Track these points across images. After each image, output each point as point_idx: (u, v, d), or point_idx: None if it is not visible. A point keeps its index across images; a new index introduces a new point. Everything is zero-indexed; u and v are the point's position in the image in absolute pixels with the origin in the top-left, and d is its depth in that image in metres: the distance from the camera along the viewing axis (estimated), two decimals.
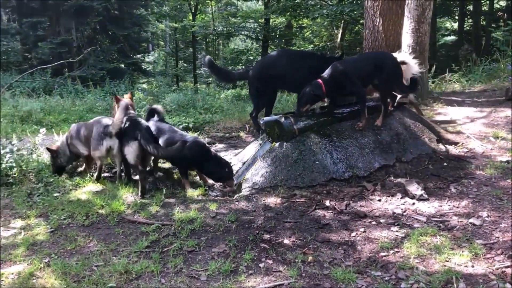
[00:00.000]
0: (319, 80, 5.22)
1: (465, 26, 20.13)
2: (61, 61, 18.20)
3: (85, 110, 10.63)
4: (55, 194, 5.08)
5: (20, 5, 22.87)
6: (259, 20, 23.88)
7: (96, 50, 20.21)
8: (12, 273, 3.47)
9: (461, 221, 3.94)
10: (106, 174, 5.86)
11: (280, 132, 5.32)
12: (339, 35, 20.35)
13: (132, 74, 23.36)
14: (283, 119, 5.28)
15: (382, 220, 4.10)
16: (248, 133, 7.33)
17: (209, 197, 4.90)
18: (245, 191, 4.95)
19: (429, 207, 4.30)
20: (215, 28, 24.76)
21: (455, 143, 5.79)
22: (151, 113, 5.53)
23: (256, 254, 3.60)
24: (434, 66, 10.14)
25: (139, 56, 25.97)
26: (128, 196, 4.93)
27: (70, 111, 11.02)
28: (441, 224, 3.93)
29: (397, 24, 8.08)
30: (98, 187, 5.27)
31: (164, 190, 5.03)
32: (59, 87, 15.91)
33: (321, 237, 3.82)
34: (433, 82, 9.92)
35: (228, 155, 5.98)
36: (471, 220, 3.92)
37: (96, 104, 11.54)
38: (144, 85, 25.84)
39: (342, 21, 19.05)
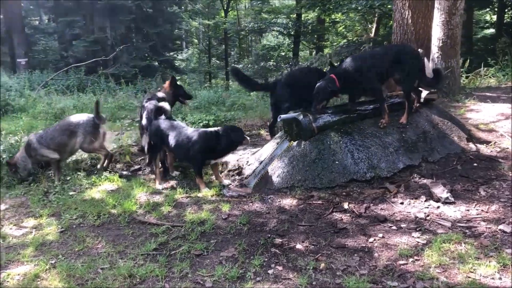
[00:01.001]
0: (333, 75, 5.04)
1: (505, 18, 19.19)
2: (94, 59, 18.59)
3: (117, 107, 10.63)
4: (71, 193, 5.07)
5: (57, 5, 23.43)
6: (291, 15, 23.60)
7: (128, 48, 20.43)
8: (18, 274, 3.42)
9: (489, 228, 3.65)
10: (124, 172, 5.82)
11: (298, 130, 5.11)
12: (373, 30, 19.81)
13: (164, 71, 23.55)
14: (301, 116, 5.06)
15: (403, 225, 3.84)
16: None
17: (223, 197, 4.74)
18: (260, 192, 4.78)
19: (455, 211, 4.01)
20: (246, 24, 24.65)
21: (487, 142, 5.43)
22: (158, 112, 5.40)
23: (266, 259, 3.42)
24: (468, 60, 9.64)
25: (171, 53, 26.14)
26: (142, 195, 4.85)
27: (102, 108, 11.11)
28: (467, 230, 3.64)
29: (427, 17, 7.72)
30: (113, 185, 5.22)
31: (178, 190, 4.91)
32: (92, 85, 16.15)
33: (336, 243, 3.61)
34: (467, 77, 9.44)
35: (246, 154, 5.81)
36: (500, 227, 3.61)
37: (128, 101, 11.58)
38: (178, 83, 26.00)
39: (376, 15, 18.52)
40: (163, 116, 5.38)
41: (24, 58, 21.21)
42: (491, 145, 5.35)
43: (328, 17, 21.90)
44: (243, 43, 33.98)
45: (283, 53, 25.91)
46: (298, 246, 3.59)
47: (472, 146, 5.31)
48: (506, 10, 18.93)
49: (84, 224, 4.24)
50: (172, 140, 5.06)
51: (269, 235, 3.77)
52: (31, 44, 24.52)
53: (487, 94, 7.71)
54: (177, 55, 29.43)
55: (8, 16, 21.75)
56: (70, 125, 5.70)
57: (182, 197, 4.74)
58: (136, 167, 6.01)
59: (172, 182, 5.36)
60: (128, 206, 4.45)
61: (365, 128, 5.18)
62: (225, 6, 27.64)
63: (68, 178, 5.48)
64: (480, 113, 6.61)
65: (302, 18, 23.51)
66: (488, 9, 20.45)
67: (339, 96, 5.21)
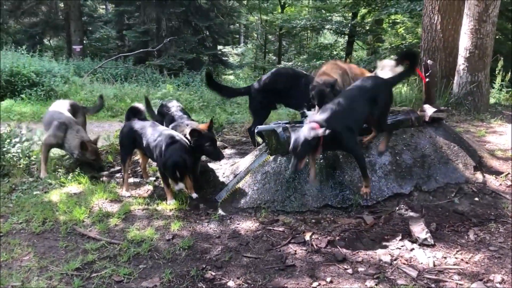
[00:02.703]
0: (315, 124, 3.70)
1: None
2: (141, 50, 18.83)
3: (157, 98, 10.43)
4: (35, 192, 4.85)
5: None
6: (346, 13, 22.74)
7: (177, 40, 20.44)
8: None
9: (461, 285, 3.02)
10: (105, 173, 5.58)
11: (276, 144, 4.62)
12: None
13: (214, 66, 23.43)
14: (280, 129, 4.56)
15: (361, 268, 3.29)
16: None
17: (182, 212, 4.34)
18: (224, 210, 4.34)
19: (430, 257, 3.39)
20: (298, 21, 24.03)
21: (498, 173, 4.69)
22: (132, 112, 5.07)
23: None
24: (510, 74, 8.66)
25: (223, 48, 26.00)
26: (100, 202, 4.55)
27: (142, 99, 11.08)
28: (432, 285, 3.04)
29: (458, 23, 6.95)
30: (79, 188, 4.96)
31: (137, 200, 4.58)
32: (138, 75, 16.31)
33: (274, 283, 3.12)
34: (507, 93, 8.47)
35: (227, 164, 5.38)
36: (473, 286, 2.98)
37: (169, 93, 11.43)
38: (231, 77, 25.97)
39: None
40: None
41: (79, 45, 21.86)
42: (501, 177, 4.61)
43: (387, 17, 20.83)
44: (301, 40, 33.39)
45: (335, 52, 25.12)
46: (230, 283, 3.13)
47: (479, 176, 4.60)
48: None
49: (25, 230, 3.99)
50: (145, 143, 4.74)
51: (205, 266, 3.34)
52: (90, 32, 25.33)
53: None
54: (232, 50, 29.38)
55: (66, 3, 22.47)
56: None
57: (138, 209, 4.39)
58: (117, 168, 5.74)
59: (145, 189, 5.04)
60: (77, 214, 4.16)
61: None
62: (282, 1, 27.17)
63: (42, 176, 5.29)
64: (503, 136, 5.80)
65: (358, 17, 22.55)
66: None
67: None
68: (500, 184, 4.51)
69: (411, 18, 18.35)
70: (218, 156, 4.69)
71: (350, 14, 22.20)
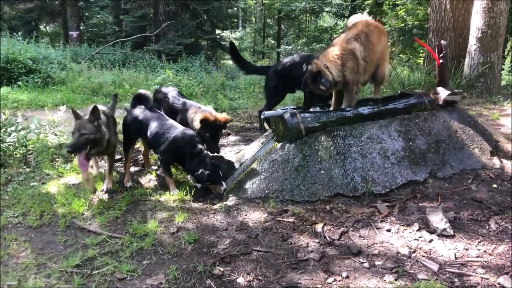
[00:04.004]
0: None
1: None
2: (138, 35, 18.50)
3: (156, 84, 10.20)
4: (32, 184, 4.64)
5: None
6: None
7: (175, 25, 20.06)
8: None
9: (486, 279, 2.83)
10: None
11: (284, 130, 4.41)
12: None
13: (213, 50, 23.09)
14: (288, 115, 4.35)
15: (378, 262, 3.10)
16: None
17: (187, 203, 4.14)
18: (230, 200, 4.15)
19: (450, 248, 3.21)
20: (298, 4, 23.60)
21: None
22: (137, 100, 4.85)
23: None
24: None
25: (222, 32, 25.60)
26: (100, 193, 4.34)
27: (141, 85, 10.95)
28: (456, 279, 2.85)
29: (469, 2, 6.66)
30: (78, 178, 4.75)
31: (138, 190, 4.37)
32: (136, 61, 16.04)
33: (287, 280, 2.93)
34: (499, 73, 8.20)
35: (232, 152, 5.17)
36: (500, 280, 2.79)
37: (168, 79, 11.23)
38: (230, 62, 25.65)
39: None
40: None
41: (75, 31, 21.46)
42: None
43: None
44: (300, 23, 32.94)
45: (335, 35, 24.72)
46: (240, 279, 2.94)
47: (496, 161, 4.40)
48: None
49: (21, 225, 3.78)
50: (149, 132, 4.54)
51: (213, 261, 3.15)
52: (87, 17, 24.88)
53: None
54: (231, 34, 28.98)
55: None
56: None
57: (140, 200, 4.19)
58: (117, 157, 5.52)
59: (146, 179, 4.84)
60: (76, 206, 3.95)
61: (365, 131, 4.39)
62: None
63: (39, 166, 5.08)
64: None
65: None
66: None
67: None
68: None
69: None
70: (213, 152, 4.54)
71: None
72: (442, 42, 4.72)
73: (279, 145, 4.40)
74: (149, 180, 4.85)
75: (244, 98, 8.18)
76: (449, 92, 4.72)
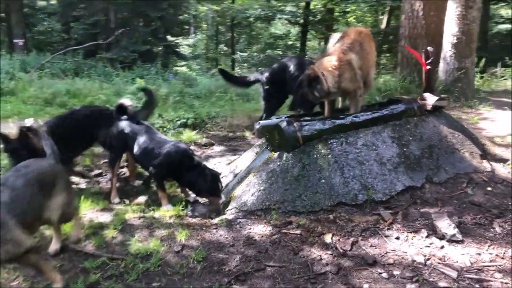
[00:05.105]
0: None
1: None
2: (91, 43, 17.89)
3: (112, 93, 9.92)
4: None
5: None
6: (299, 3, 22.63)
7: (129, 32, 19.61)
8: None
9: (506, 284, 2.85)
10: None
11: (280, 139, 4.32)
12: (384, 21, 18.86)
13: (167, 57, 22.80)
14: (284, 123, 4.26)
15: (396, 271, 3.05)
16: (255, 133, 6.34)
17: (184, 219, 3.96)
18: (230, 213, 4.00)
19: (463, 254, 3.21)
20: (253, 11, 23.71)
21: (504, 161, 4.61)
22: (119, 111, 4.61)
23: None
24: (484, 59, 8.74)
25: (173, 39, 25.28)
26: (88, 212, 4.08)
27: (96, 94, 10.54)
28: (477, 285, 2.85)
29: (441, 9, 6.85)
30: None
31: (131, 207, 4.15)
32: (89, 69, 15.48)
33: None
34: (481, 78, 8.54)
35: (221, 163, 5.03)
36: None
37: (124, 88, 10.91)
38: (183, 68, 25.36)
39: (388, 6, 17.58)
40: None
41: (21, 39, 20.46)
42: (508, 164, 4.53)
43: (337, 6, 20.95)
44: (251, 30, 33.13)
45: (290, 42, 25.05)
46: None
47: (486, 165, 4.49)
48: None
49: None
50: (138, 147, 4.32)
51: (227, 279, 3.00)
52: (32, 24, 23.80)
53: (504, 99, 6.84)
54: (183, 40, 28.71)
55: None
56: None
57: (134, 217, 3.96)
58: (97, 171, 5.25)
59: (134, 194, 4.61)
60: (65, 227, 3.68)
61: (359, 138, 4.37)
62: None
63: None
64: (496, 122, 5.76)
65: (311, 7, 22.51)
66: (504, 4, 19.34)
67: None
68: (509, 172, 4.42)
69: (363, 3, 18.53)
70: None
71: (303, 4, 22.12)
72: (429, 48, 4.80)
73: (276, 154, 4.30)
74: (137, 196, 4.61)
75: (221, 106, 8.01)
76: (436, 97, 4.80)
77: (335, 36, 4.86)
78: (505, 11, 20.58)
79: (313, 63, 5.24)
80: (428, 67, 4.82)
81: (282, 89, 5.56)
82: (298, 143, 4.25)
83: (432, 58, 4.77)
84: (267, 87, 5.58)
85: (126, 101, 4.63)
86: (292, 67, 5.32)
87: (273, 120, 4.39)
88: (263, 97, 5.72)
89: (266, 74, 5.66)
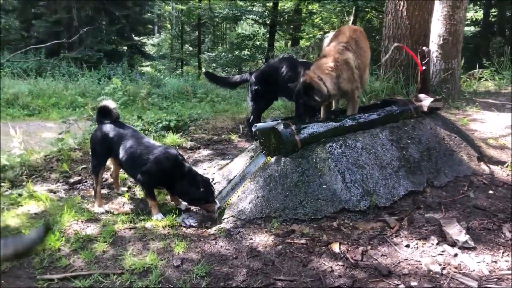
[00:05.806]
0: None
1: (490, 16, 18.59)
2: (55, 41, 17.12)
3: (78, 94, 9.56)
4: None
5: None
6: (267, 3, 22.52)
7: (94, 31, 18.96)
8: None
9: None
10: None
11: (277, 143, 4.10)
12: (350, 23, 18.99)
13: (132, 57, 22.29)
14: (281, 126, 4.05)
15: (413, 283, 2.88)
16: (242, 136, 6.09)
17: (179, 229, 3.68)
18: (227, 222, 3.75)
19: (479, 262, 3.08)
20: (220, 11, 23.46)
21: (501, 163, 4.54)
22: (102, 113, 4.28)
23: None
24: (463, 61, 8.80)
25: (139, 38, 24.71)
26: (73, 223, 3.74)
27: (61, 95, 10.14)
28: None
29: (425, 9, 6.78)
30: (39, 206, 4.08)
31: (121, 217, 3.83)
32: (52, 69, 14.86)
33: None
34: (460, 79, 8.59)
35: (212, 168, 4.77)
36: None
37: (90, 88, 10.49)
38: (148, 68, 24.83)
39: (354, 7, 17.69)
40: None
41: None
42: (506, 166, 4.47)
43: (305, 7, 20.97)
44: (217, 30, 32.88)
45: (258, 43, 24.92)
46: None
47: (484, 167, 4.42)
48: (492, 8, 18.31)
49: None
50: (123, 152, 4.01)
51: None
52: None
53: (489, 100, 6.86)
54: (148, 40, 28.17)
55: None
56: None
57: (124, 229, 3.65)
58: (76, 178, 4.88)
59: (119, 203, 4.28)
60: (51, 241, 3.34)
61: (358, 141, 4.21)
62: None
63: None
64: (486, 124, 5.74)
65: (279, 7, 22.45)
66: (471, 5, 19.85)
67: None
68: (508, 175, 4.36)
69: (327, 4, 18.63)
70: None
71: (271, 4, 22.06)
72: (425, 48, 4.70)
73: (273, 159, 4.08)
74: (122, 204, 4.30)
75: (201, 107, 7.73)
76: (432, 99, 4.71)
77: (329, 36, 4.70)
78: (470, 14, 21.12)
79: (306, 63, 5.07)
80: (423, 67, 4.71)
81: (272, 90, 5.37)
82: (296, 147, 4.05)
83: (428, 59, 4.65)
84: (256, 87, 5.37)
85: (110, 103, 4.30)
86: (284, 68, 5.12)
87: (270, 122, 4.16)
88: (251, 98, 5.50)
89: (255, 74, 5.43)
